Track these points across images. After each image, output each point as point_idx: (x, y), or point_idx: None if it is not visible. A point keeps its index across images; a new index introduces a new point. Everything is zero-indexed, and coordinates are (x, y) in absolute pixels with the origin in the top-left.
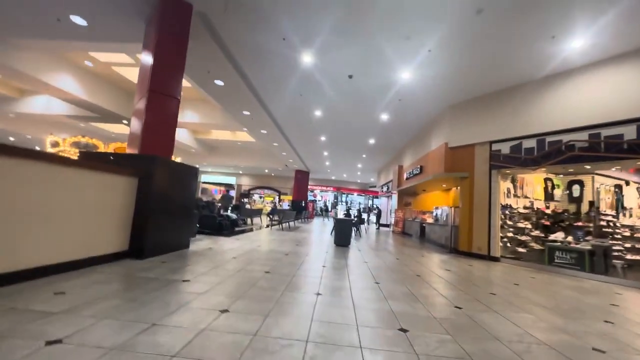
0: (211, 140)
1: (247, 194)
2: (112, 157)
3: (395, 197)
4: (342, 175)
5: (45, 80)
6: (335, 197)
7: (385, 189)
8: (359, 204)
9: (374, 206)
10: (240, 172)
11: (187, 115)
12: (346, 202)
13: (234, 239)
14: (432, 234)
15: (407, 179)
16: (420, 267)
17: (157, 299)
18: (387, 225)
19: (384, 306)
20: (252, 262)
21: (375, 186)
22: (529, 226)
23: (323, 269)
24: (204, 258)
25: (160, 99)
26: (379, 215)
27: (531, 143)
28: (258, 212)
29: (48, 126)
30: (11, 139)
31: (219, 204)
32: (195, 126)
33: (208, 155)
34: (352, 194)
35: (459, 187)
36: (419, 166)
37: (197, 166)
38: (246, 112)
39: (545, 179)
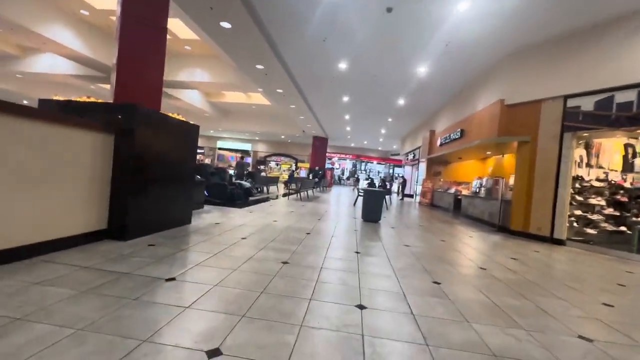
0: (224, 103)
1: (264, 161)
2: (74, 104)
3: (423, 165)
4: (363, 142)
5: (41, 33)
6: (354, 165)
7: (410, 156)
8: (378, 172)
9: (397, 175)
10: (257, 138)
11: (196, 74)
12: (366, 171)
13: (246, 211)
14: (470, 209)
15: (441, 145)
16: (476, 253)
17: (112, 323)
18: (410, 196)
19: (471, 336)
20: (265, 246)
21: (398, 154)
22: (602, 202)
23: (357, 257)
24: (206, 238)
25: (140, 29)
26: (403, 185)
27: (630, 96)
28: (274, 180)
29: (57, 88)
30: (25, 102)
31: (235, 171)
32: (206, 87)
33: (222, 120)
34: (372, 162)
35: (503, 156)
36: (459, 130)
37: (212, 131)
38: (259, 66)
39: (626, 145)
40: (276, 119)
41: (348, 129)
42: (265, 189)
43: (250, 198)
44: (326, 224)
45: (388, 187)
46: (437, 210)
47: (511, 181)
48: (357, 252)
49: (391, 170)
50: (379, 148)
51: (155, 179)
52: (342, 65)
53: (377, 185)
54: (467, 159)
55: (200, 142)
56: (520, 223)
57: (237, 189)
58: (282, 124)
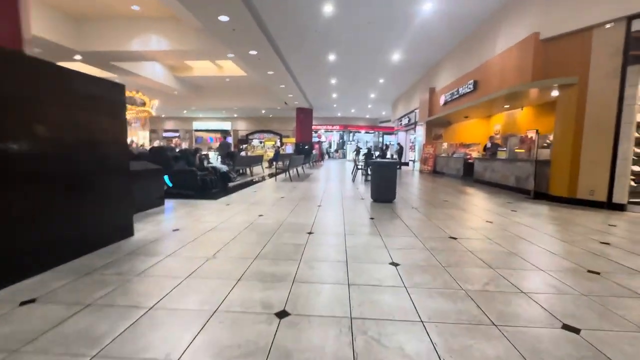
0: (194, 78)
1: (246, 140)
2: None
3: (421, 129)
4: (350, 110)
5: None
6: (341, 137)
7: (405, 121)
8: (366, 142)
9: (390, 143)
10: (235, 115)
11: (152, 42)
12: (355, 141)
13: (222, 204)
14: (488, 173)
15: (445, 103)
16: (548, 240)
17: None
18: (405, 164)
19: None
20: (246, 271)
21: (388, 121)
22: None
23: (399, 274)
24: (146, 267)
25: None
26: (400, 153)
27: None
28: (258, 160)
29: None
30: None
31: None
32: (166, 56)
33: (195, 97)
34: (360, 132)
35: (522, 109)
36: (471, 82)
37: (185, 111)
38: (224, 18)
39: None
40: (254, 91)
41: (334, 96)
42: (248, 170)
43: (230, 184)
44: (330, 213)
45: (390, 156)
46: (444, 178)
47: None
48: (395, 264)
49: (381, 139)
50: (367, 116)
51: (36, 177)
52: (328, 10)
53: (375, 155)
54: (474, 117)
55: (174, 125)
56: (565, 187)
57: (210, 175)
58: (261, 96)
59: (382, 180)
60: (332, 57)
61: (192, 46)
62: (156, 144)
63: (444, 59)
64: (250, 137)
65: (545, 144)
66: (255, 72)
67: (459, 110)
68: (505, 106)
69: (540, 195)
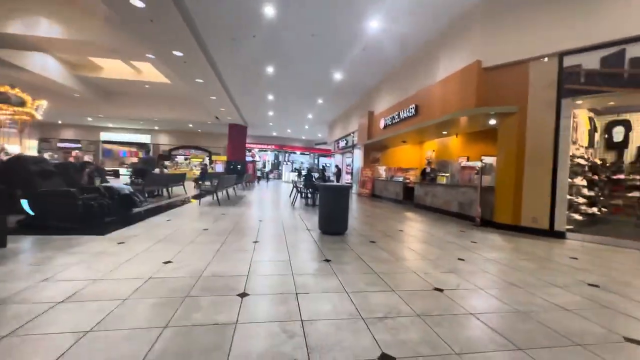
0: (103, 81)
1: (168, 156)
2: None
3: (358, 152)
4: (286, 130)
5: None
6: (276, 157)
7: (342, 143)
8: (301, 163)
9: (326, 165)
10: (156, 127)
11: (41, 26)
12: (290, 162)
13: (112, 242)
14: (429, 198)
15: (385, 127)
16: (529, 278)
17: None
18: None
19: None
20: None
21: (324, 143)
22: (583, 182)
23: None
24: None
25: None
26: (338, 176)
27: None
28: (178, 179)
29: None
30: None
31: (115, 169)
32: (60, 47)
33: (103, 103)
34: (295, 153)
35: (457, 136)
36: (412, 106)
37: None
38: (138, 3)
39: (590, 119)
40: (181, 102)
41: (271, 113)
42: (166, 191)
43: (135, 210)
44: (271, 254)
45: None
46: (385, 202)
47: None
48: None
49: (316, 160)
50: (303, 137)
51: None
52: (269, 12)
53: (315, 177)
54: (412, 142)
55: (75, 134)
56: (509, 214)
57: (101, 200)
58: (188, 108)
59: (333, 208)
60: (270, 70)
61: (97, 38)
62: (46, 156)
63: (384, 81)
64: (173, 152)
65: (476, 172)
66: (181, 78)
67: (399, 134)
68: (444, 132)
69: (486, 222)
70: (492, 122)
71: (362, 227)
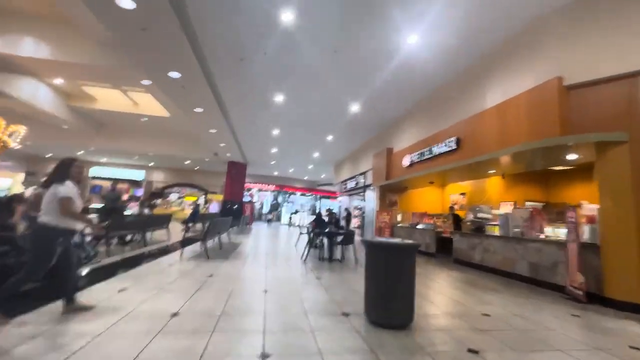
0: (96, 112)
1: (161, 193)
2: None
3: (371, 194)
4: (289, 170)
5: None
6: (275, 198)
7: (351, 184)
8: (301, 205)
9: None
10: (152, 164)
11: (25, 44)
12: (289, 203)
13: None
14: (479, 254)
15: (411, 165)
16: None
17: None
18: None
19: None
20: None
21: (328, 184)
22: None
23: None
24: None
25: None
26: (348, 221)
27: None
28: (162, 221)
29: None
30: None
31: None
32: (47, 69)
33: (95, 136)
34: (295, 194)
35: (504, 176)
36: (452, 139)
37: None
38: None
39: None
40: (179, 137)
41: (274, 150)
42: (142, 237)
43: (80, 271)
44: None
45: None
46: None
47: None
48: None
49: (319, 202)
50: (305, 177)
51: None
52: (286, 19)
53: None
54: (438, 184)
55: None
56: (631, 287)
57: (12, 257)
58: (187, 144)
59: (391, 280)
60: (278, 98)
61: (88, 60)
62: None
63: (409, 113)
64: (167, 190)
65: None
66: (179, 106)
67: (430, 173)
68: (491, 171)
69: (590, 296)
70: (573, 156)
71: (424, 307)
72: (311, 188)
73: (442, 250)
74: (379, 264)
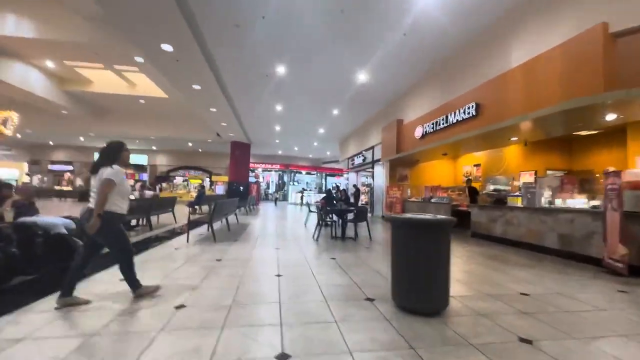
0: (94, 95)
1: (166, 177)
2: None
3: (380, 169)
4: (293, 148)
5: None
6: (281, 177)
7: (359, 160)
8: (307, 184)
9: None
10: (154, 147)
11: (7, 24)
12: (295, 182)
13: None
14: (501, 227)
15: (424, 136)
16: None
17: None
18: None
19: None
20: None
21: (335, 161)
22: None
23: None
24: None
25: None
26: (357, 197)
27: None
28: (168, 204)
29: None
30: None
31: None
32: (31, 48)
33: (94, 121)
34: (301, 172)
35: (526, 144)
36: (471, 105)
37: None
38: None
39: None
40: (179, 119)
41: (277, 128)
42: (147, 221)
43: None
44: None
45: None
46: None
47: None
48: None
49: (323, 180)
50: (310, 155)
51: None
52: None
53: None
54: (454, 154)
55: (66, 156)
56: None
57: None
58: (188, 125)
59: (423, 262)
60: (280, 69)
61: (75, 37)
62: (35, 180)
63: (421, 81)
64: (172, 173)
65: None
66: (174, 85)
67: (447, 143)
68: (512, 138)
69: (634, 270)
70: (611, 116)
71: (454, 287)
72: (316, 166)
73: (458, 224)
74: (410, 243)
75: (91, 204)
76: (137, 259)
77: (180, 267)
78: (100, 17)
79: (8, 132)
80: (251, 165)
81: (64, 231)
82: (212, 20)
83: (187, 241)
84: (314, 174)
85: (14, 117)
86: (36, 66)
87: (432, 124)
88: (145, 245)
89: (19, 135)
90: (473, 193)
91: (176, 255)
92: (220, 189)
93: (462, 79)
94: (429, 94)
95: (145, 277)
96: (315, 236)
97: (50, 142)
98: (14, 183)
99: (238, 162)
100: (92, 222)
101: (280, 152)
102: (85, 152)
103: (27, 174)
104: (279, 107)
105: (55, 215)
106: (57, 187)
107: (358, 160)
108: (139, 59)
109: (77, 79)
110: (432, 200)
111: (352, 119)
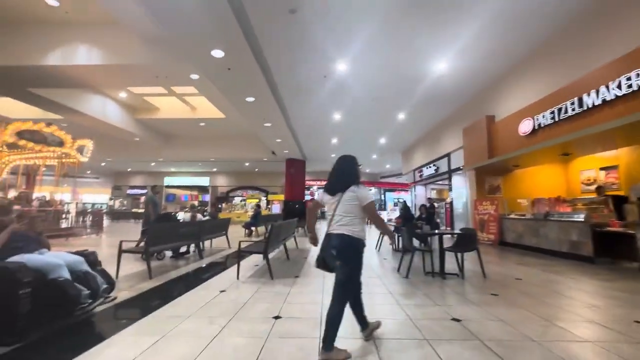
0: (161, 122)
1: (226, 197)
2: None
3: (461, 180)
4: None
5: None
6: None
7: (430, 171)
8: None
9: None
10: (215, 169)
11: (79, 52)
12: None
13: None
14: None
15: (536, 130)
16: None
17: None
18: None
19: None
20: None
21: (394, 175)
22: None
23: None
24: None
25: None
26: (431, 216)
27: None
28: (221, 227)
29: None
30: None
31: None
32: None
33: (163, 147)
34: None
35: None
36: (629, 77)
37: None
38: None
39: None
40: (235, 138)
41: (334, 141)
42: (197, 247)
43: (82, 310)
44: None
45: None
46: (550, 259)
47: None
48: None
49: (382, 196)
50: (367, 170)
51: None
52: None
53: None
54: (581, 153)
55: (142, 181)
56: None
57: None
58: (244, 145)
59: None
60: (341, 67)
61: (136, 60)
62: (117, 204)
63: (519, 65)
64: (231, 194)
65: None
66: (229, 97)
67: (583, 135)
68: None
69: None
70: None
71: None
72: (374, 181)
73: (606, 252)
74: None
75: (339, 229)
76: (164, 313)
77: (219, 333)
78: (154, 36)
79: (84, 159)
80: (307, 183)
81: (66, 275)
82: (262, 8)
83: (238, 277)
84: (371, 190)
85: (89, 144)
86: (111, 97)
87: (552, 112)
88: (186, 283)
89: (103, 164)
90: (618, 205)
91: (218, 306)
92: (276, 208)
93: (601, 44)
94: (537, 76)
95: (161, 356)
96: (401, 269)
97: (129, 169)
98: (104, 208)
99: (293, 179)
100: (388, 236)
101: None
102: (157, 176)
103: (110, 198)
104: (337, 116)
105: (73, 249)
106: (134, 210)
107: (428, 171)
108: (194, 76)
109: (146, 107)
110: (548, 217)
111: (420, 123)
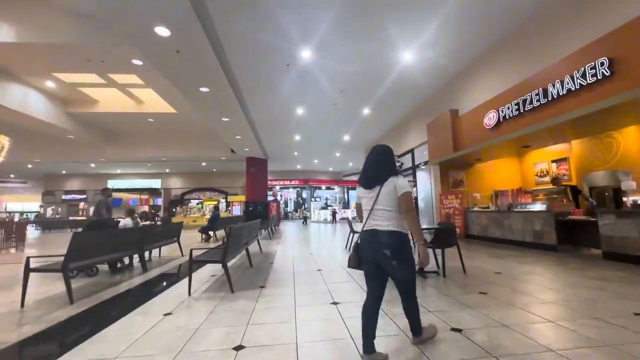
0: (101, 116)
1: (181, 200)
2: None
3: (424, 175)
4: (313, 161)
5: None
6: (299, 194)
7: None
8: (326, 199)
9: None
10: (167, 170)
11: None
12: (316, 199)
13: None
14: None
15: (501, 122)
16: None
17: None
18: None
19: None
20: None
21: (356, 173)
22: None
23: None
24: None
25: None
26: None
27: None
28: (172, 233)
29: None
30: None
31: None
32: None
33: (106, 146)
34: (321, 188)
35: None
36: (601, 62)
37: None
38: None
39: None
40: (190, 136)
41: (297, 138)
42: (141, 259)
43: None
44: None
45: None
46: (513, 249)
47: None
48: None
49: (346, 195)
50: (330, 169)
51: None
52: None
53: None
54: (539, 145)
55: (80, 185)
56: None
57: None
58: (199, 143)
59: None
60: (305, 55)
61: (61, 38)
62: (49, 212)
63: (484, 56)
64: (186, 196)
65: None
66: (179, 86)
67: (551, 125)
68: None
69: None
70: None
71: None
72: (337, 180)
73: (569, 240)
74: None
75: (387, 226)
76: (79, 355)
77: None
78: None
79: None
80: (269, 182)
81: None
82: None
83: (189, 293)
84: (334, 189)
85: (4, 141)
86: (35, 86)
87: (517, 104)
88: (120, 306)
89: (29, 166)
90: (575, 195)
91: (159, 338)
92: (237, 210)
93: (568, 33)
94: (502, 67)
95: None
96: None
97: (63, 171)
98: (28, 216)
99: (255, 179)
100: (421, 253)
101: (299, 167)
102: (99, 179)
103: (41, 206)
104: (300, 111)
105: None
106: (71, 218)
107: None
108: (137, 62)
109: (81, 99)
110: (512, 209)
111: (384, 119)
